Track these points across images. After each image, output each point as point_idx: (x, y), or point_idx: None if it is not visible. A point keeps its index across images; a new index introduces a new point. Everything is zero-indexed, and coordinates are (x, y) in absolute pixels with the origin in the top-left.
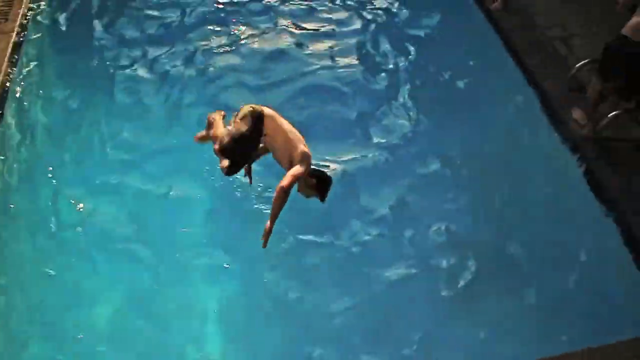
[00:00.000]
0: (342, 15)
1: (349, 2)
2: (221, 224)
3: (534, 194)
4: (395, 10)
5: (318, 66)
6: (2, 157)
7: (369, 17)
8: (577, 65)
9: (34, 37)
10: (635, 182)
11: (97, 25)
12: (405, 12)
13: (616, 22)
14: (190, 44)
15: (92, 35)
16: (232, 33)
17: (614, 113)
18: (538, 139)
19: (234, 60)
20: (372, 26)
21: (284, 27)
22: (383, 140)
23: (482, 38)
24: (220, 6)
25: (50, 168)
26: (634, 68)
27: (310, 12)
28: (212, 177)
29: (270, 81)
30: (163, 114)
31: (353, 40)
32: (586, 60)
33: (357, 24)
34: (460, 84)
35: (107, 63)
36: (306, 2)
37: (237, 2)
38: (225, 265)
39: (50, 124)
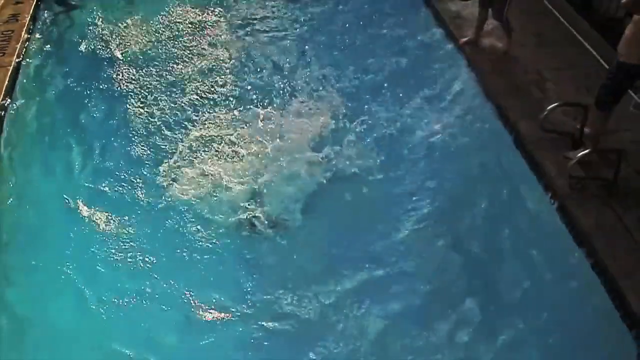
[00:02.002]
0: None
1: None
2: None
3: (509, 227)
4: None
5: None
6: None
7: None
8: (550, 107)
9: (31, 69)
10: (604, 219)
11: (93, 58)
12: (385, 58)
13: (589, 66)
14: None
15: (87, 67)
16: None
17: (583, 152)
18: (513, 177)
19: None
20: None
21: None
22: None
23: (463, 81)
24: None
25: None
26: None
27: None
28: None
29: None
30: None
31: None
32: (558, 103)
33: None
34: (439, 123)
35: (103, 95)
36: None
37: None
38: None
39: (44, 153)
